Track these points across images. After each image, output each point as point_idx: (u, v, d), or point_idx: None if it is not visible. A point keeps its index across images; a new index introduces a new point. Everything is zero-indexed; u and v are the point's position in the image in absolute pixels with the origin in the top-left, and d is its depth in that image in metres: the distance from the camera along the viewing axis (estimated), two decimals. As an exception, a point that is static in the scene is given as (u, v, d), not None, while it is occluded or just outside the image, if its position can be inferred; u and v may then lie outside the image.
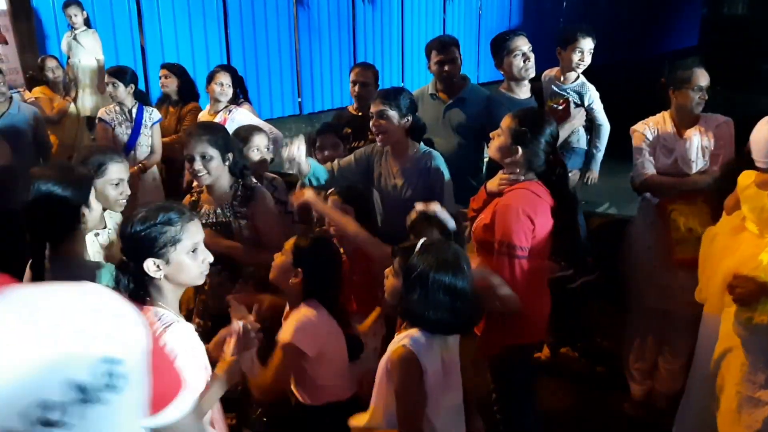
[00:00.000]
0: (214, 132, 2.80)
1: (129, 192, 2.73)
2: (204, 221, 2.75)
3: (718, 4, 14.61)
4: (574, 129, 3.85)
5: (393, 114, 2.97)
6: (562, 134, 3.57)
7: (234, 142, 2.96)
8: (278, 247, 2.50)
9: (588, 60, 3.79)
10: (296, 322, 2.28)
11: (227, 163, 2.79)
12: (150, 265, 1.79)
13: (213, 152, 2.72)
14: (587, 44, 3.75)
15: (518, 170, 2.48)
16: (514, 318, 2.05)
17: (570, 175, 3.84)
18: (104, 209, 2.66)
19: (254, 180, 3.10)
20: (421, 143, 3.16)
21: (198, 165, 2.70)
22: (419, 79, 8.69)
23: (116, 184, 2.64)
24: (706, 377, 2.60)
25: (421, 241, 2.07)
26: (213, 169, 2.73)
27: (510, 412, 2.61)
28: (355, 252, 2.87)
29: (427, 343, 2.00)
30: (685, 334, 3.30)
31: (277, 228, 2.89)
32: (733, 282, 2.34)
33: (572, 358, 3.98)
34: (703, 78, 3.10)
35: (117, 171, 2.64)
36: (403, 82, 8.97)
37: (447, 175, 3.05)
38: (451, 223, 2.53)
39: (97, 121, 4.52)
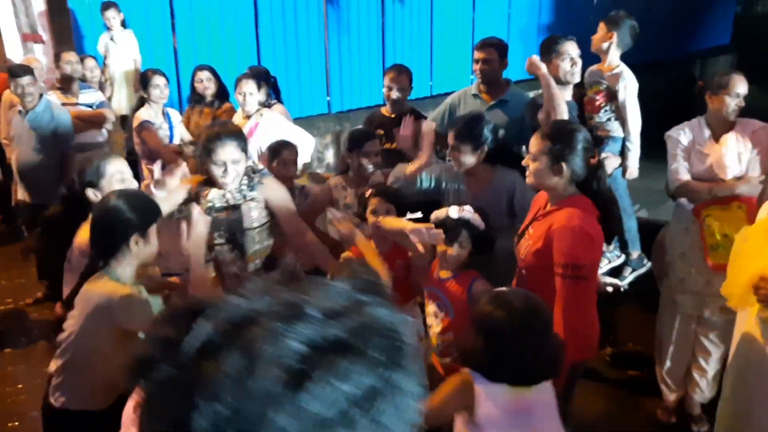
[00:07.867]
0: (239, 136, 2.82)
1: (136, 185, 2.79)
2: (213, 205, 2.81)
3: (751, 2, 14.34)
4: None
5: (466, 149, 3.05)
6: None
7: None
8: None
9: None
10: None
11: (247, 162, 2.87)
12: None
13: (241, 156, 2.76)
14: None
15: (562, 190, 2.43)
16: (577, 337, 2.04)
17: (605, 159, 3.83)
18: None
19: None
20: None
21: (231, 168, 2.72)
22: (449, 79, 8.67)
23: (121, 180, 2.66)
24: (740, 382, 2.58)
25: (497, 291, 1.99)
26: (240, 171, 2.78)
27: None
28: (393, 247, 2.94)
29: (490, 384, 1.87)
30: (718, 340, 3.30)
31: (292, 215, 2.93)
32: (759, 283, 2.33)
33: (605, 362, 3.98)
34: (741, 84, 3.07)
35: (116, 167, 2.68)
36: (432, 81, 8.95)
37: (522, 187, 3.04)
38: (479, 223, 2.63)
39: (143, 125, 4.57)
